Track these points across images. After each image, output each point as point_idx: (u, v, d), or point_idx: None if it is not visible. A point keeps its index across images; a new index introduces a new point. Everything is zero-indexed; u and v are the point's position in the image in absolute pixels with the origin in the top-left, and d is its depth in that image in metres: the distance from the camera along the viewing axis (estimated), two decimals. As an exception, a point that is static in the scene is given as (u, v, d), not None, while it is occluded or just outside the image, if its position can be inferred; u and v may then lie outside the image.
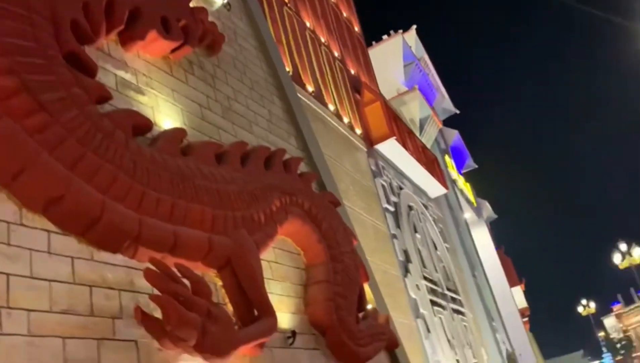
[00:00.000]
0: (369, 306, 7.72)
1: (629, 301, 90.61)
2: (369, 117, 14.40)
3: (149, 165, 4.29)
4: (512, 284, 30.39)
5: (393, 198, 14.25)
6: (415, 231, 14.92)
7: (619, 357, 74.91)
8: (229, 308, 4.73)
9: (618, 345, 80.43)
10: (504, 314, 24.50)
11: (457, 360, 13.28)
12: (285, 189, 6.14)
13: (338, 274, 6.72)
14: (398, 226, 13.77)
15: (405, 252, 13.34)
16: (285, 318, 5.68)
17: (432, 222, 16.98)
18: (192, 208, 4.44)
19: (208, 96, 6.26)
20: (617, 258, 34.44)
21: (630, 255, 33.66)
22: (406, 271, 12.80)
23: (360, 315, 7.14)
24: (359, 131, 13.68)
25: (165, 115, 5.41)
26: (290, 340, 5.47)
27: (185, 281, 4.06)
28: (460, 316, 15.31)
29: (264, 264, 5.44)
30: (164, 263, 3.96)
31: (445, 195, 20.48)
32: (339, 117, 12.70)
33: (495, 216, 32.82)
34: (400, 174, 15.99)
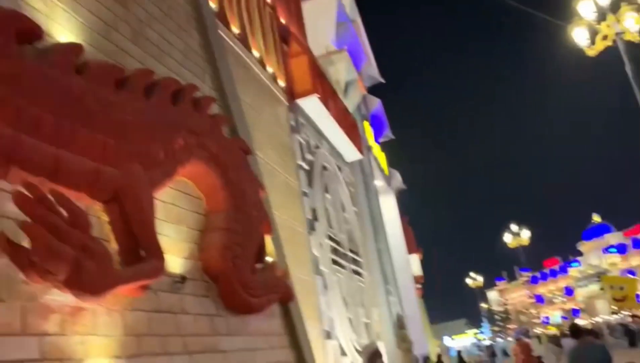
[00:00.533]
0: (269, 259, 7.67)
1: (512, 278, 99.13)
2: (294, 70, 14.05)
3: (32, 78, 3.79)
4: (410, 251, 31.90)
5: (309, 156, 14.18)
6: (327, 192, 15.03)
7: (495, 327, 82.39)
8: (114, 246, 4.42)
9: (497, 317, 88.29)
10: (400, 279, 25.76)
11: (350, 318, 13.75)
12: (192, 129, 5.79)
13: (239, 223, 6.55)
14: (310, 184, 13.76)
15: (314, 211, 13.40)
16: (176, 262, 5.44)
17: (344, 185, 17.19)
18: (80, 133, 4.02)
19: (116, 14, 5.67)
20: (507, 238, 37.35)
21: (519, 236, 36.58)
22: (312, 229, 12.88)
23: (259, 266, 7.06)
24: (282, 83, 13.32)
25: (63, 27, 4.82)
26: (179, 285, 5.26)
27: (64, 211, 3.69)
28: (358, 277, 15.81)
29: (159, 204, 5.13)
30: (38, 187, 3.55)
31: (360, 161, 20.78)
32: (263, 66, 12.25)
33: (404, 187, 34.02)
34: (319, 133, 15.91)
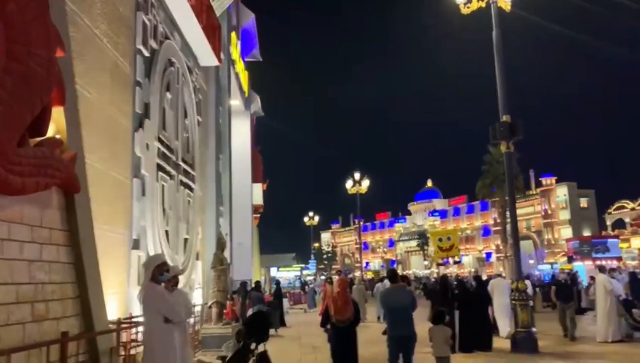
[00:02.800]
0: (57, 137, 6.13)
1: (346, 223, 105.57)
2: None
3: None
4: (255, 180, 31.34)
5: (153, 44, 12.25)
6: (168, 90, 13.30)
7: (321, 265, 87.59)
8: None
9: (324, 256, 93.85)
10: (238, 204, 25.09)
11: (167, 231, 12.59)
12: None
13: (11, 76, 4.94)
14: (148, 75, 11.95)
15: (147, 106, 11.70)
16: None
17: (192, 89, 15.51)
18: None
19: None
20: (349, 184, 38.67)
21: (360, 184, 38.06)
22: (140, 125, 11.25)
23: (35, 140, 5.53)
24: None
25: None
26: None
27: None
28: (187, 190, 14.58)
29: None
30: None
31: (217, 71, 19.09)
32: None
33: (262, 113, 32.96)
34: (172, 23, 13.91)
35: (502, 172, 35.65)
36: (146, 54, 11.79)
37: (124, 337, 8.04)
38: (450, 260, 27.91)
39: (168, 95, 13.24)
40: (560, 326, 14.18)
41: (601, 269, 14.25)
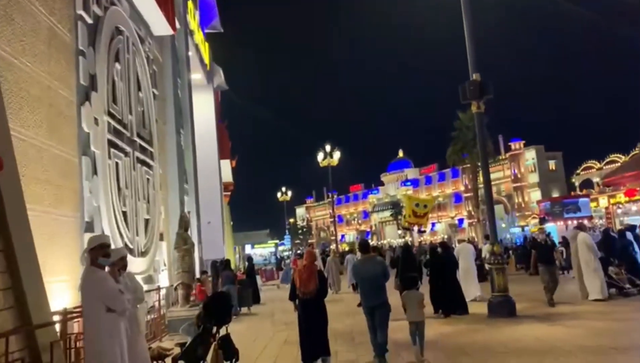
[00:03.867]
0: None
1: (320, 198, 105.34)
2: None
3: None
4: (222, 157, 30.44)
5: (96, 9, 11.24)
6: (117, 61, 12.33)
7: (297, 240, 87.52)
8: None
9: (299, 231, 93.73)
10: (205, 182, 24.25)
11: (124, 212, 11.81)
12: None
13: None
14: (93, 44, 10.98)
15: (93, 77, 10.77)
16: None
17: (145, 60, 14.51)
18: None
19: None
20: (320, 156, 38.05)
21: (331, 156, 37.50)
22: (86, 98, 10.34)
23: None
24: None
25: None
26: None
27: None
28: (145, 168, 13.72)
29: None
30: None
31: (173, 41, 18.00)
32: None
33: (226, 87, 31.79)
34: (117, -13, 12.87)
35: (472, 137, 35.64)
36: (89, 20, 10.81)
37: (76, 327, 7.37)
38: (415, 228, 27.73)
39: (117, 66, 12.29)
40: (545, 293, 12.69)
41: (582, 227, 14.03)
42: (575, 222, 26.77)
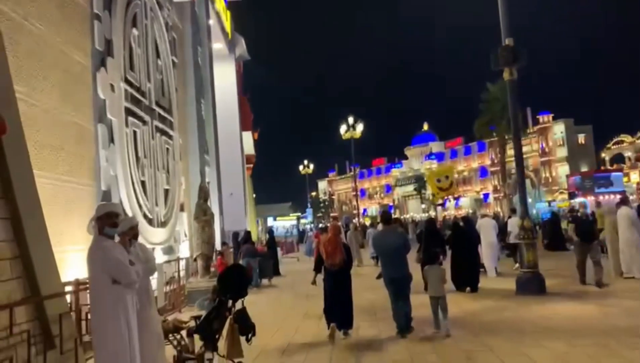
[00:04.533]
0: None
1: (342, 171, 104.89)
2: None
3: None
4: (244, 128, 30.16)
5: (112, -28, 10.88)
6: (135, 26, 11.98)
7: (319, 213, 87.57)
8: None
9: (321, 204, 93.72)
10: (226, 154, 24.03)
11: (143, 181, 11.62)
12: None
13: None
14: (109, 8, 10.64)
15: (109, 42, 10.46)
16: None
17: (164, 26, 14.14)
18: None
19: None
20: (342, 129, 37.46)
21: (354, 129, 36.88)
22: (102, 64, 10.05)
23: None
24: None
25: None
26: None
27: None
28: (165, 137, 13.49)
29: None
30: None
31: (193, 8, 17.58)
32: None
33: (248, 57, 31.29)
34: (135, -50, 12.43)
35: (500, 109, 34.61)
36: (104, -18, 10.43)
37: (88, 298, 7.19)
38: (451, 199, 27.28)
39: (134, 31, 11.95)
40: (577, 270, 11.81)
41: (625, 201, 13.24)
42: (608, 197, 25.80)
